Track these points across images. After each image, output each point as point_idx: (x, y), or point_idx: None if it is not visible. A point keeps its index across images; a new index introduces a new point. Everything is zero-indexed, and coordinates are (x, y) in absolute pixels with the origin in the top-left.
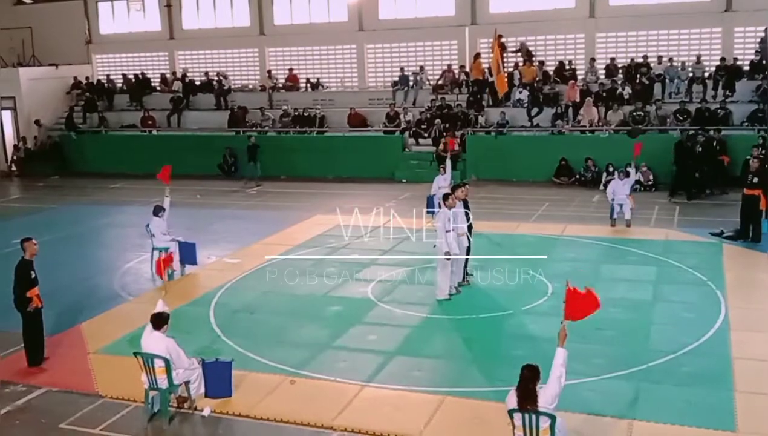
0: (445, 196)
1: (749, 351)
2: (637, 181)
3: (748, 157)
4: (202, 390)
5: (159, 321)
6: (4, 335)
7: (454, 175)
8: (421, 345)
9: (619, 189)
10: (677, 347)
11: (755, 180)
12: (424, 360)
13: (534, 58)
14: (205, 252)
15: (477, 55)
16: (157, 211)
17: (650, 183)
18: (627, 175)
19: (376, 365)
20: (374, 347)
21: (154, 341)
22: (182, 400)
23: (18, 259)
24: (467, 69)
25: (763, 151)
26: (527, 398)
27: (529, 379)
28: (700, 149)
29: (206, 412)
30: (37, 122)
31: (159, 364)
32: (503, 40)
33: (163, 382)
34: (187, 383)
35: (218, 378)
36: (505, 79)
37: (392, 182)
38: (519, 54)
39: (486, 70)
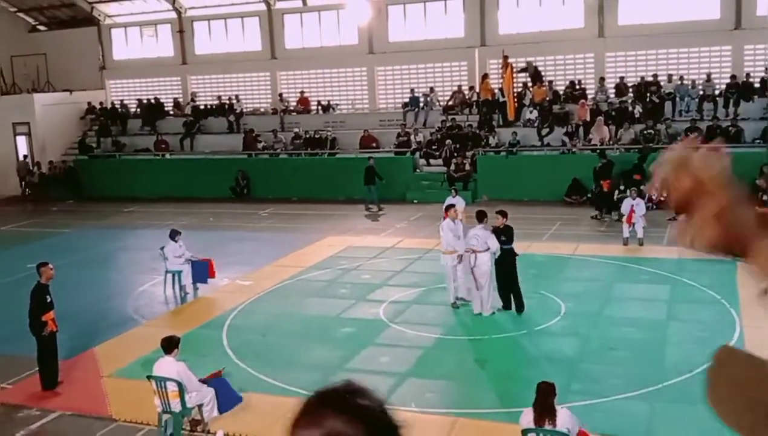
0: (447, 208)
1: None
2: (650, 200)
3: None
4: (216, 413)
5: (169, 345)
6: (19, 359)
7: (466, 195)
8: (434, 366)
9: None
10: (692, 366)
11: (765, 197)
12: (437, 382)
13: (544, 78)
14: (218, 274)
15: (485, 76)
16: (173, 235)
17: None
18: (640, 194)
19: (388, 386)
20: (386, 369)
21: (165, 365)
22: (195, 423)
23: (33, 283)
24: (477, 90)
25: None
26: (546, 413)
27: (547, 393)
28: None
29: (219, 435)
30: None
31: (172, 387)
32: (511, 60)
33: (176, 405)
34: (200, 406)
35: (223, 391)
36: (515, 105)
37: (404, 203)
38: (526, 73)
39: (498, 91)
